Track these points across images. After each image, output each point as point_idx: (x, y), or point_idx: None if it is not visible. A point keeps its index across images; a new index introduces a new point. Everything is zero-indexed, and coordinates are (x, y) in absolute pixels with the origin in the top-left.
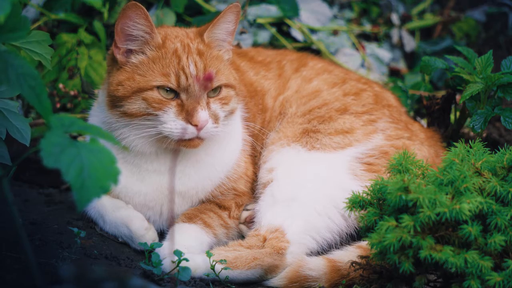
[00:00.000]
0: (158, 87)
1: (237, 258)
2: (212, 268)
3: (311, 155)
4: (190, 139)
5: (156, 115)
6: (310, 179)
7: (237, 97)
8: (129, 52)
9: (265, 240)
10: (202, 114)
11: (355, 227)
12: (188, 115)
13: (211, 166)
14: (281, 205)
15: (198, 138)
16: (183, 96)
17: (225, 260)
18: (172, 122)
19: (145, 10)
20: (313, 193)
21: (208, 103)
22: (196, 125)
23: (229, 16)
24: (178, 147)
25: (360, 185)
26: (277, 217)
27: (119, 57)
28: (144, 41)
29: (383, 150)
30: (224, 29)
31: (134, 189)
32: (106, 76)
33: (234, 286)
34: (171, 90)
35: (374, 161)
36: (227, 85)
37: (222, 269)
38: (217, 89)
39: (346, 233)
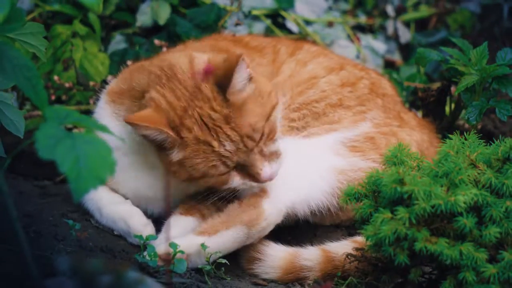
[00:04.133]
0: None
1: (213, 225)
2: (207, 260)
3: (294, 141)
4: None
5: (220, 187)
6: (288, 153)
7: (277, 106)
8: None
9: (240, 204)
10: (265, 172)
11: (338, 188)
12: (253, 178)
13: None
14: None
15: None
16: (239, 165)
17: (219, 252)
18: (241, 185)
19: (137, 117)
20: (289, 162)
21: (261, 151)
22: (267, 181)
23: (242, 68)
24: None
25: (342, 160)
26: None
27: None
28: (165, 145)
29: (369, 136)
30: (241, 79)
31: (134, 182)
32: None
33: (229, 278)
34: None
35: (358, 145)
36: (267, 118)
37: (203, 244)
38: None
39: (331, 195)
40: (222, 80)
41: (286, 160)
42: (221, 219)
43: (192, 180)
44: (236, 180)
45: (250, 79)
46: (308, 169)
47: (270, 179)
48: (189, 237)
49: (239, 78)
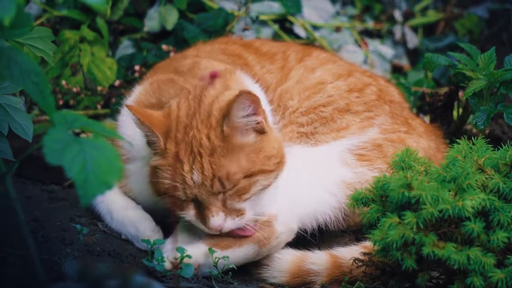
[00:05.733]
0: None
1: (225, 239)
2: (215, 264)
3: (302, 149)
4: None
5: (180, 213)
6: (295, 167)
7: (272, 173)
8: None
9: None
10: (213, 221)
11: (345, 203)
12: (203, 220)
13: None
14: (267, 193)
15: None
16: (197, 201)
17: (227, 257)
18: (194, 222)
19: (136, 108)
20: (298, 177)
21: (224, 201)
22: (212, 230)
23: (242, 103)
24: None
25: (350, 171)
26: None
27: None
28: (152, 142)
29: (376, 143)
30: (240, 116)
31: (149, 191)
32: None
33: (236, 282)
34: None
35: (366, 153)
36: (248, 176)
37: (219, 258)
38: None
39: (339, 210)
40: (225, 112)
41: (296, 173)
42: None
43: (157, 192)
44: (190, 214)
45: (260, 130)
46: (317, 183)
47: (217, 230)
48: (200, 246)
49: (239, 112)
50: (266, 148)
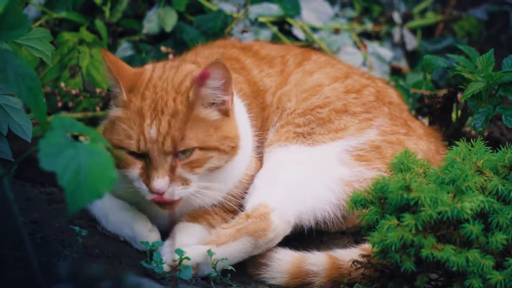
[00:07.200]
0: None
1: (220, 236)
2: (214, 266)
3: (300, 148)
4: (163, 202)
5: (125, 171)
6: (294, 165)
7: (225, 154)
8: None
9: (248, 217)
10: (157, 182)
11: (344, 200)
12: (147, 179)
13: (223, 179)
14: (263, 187)
15: (171, 202)
16: (147, 158)
17: (226, 259)
18: (136, 182)
19: (113, 62)
20: (296, 174)
21: (174, 167)
22: (155, 192)
23: (214, 73)
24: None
25: (348, 170)
26: (259, 197)
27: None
28: (115, 95)
29: (375, 145)
30: (209, 86)
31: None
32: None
33: (235, 284)
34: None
35: (364, 154)
36: (203, 149)
37: (208, 250)
38: (188, 151)
39: (338, 206)
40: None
41: (293, 169)
42: (228, 230)
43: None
44: (134, 171)
45: (224, 111)
46: (314, 179)
47: (157, 193)
48: (197, 247)
49: (209, 81)
50: (225, 129)
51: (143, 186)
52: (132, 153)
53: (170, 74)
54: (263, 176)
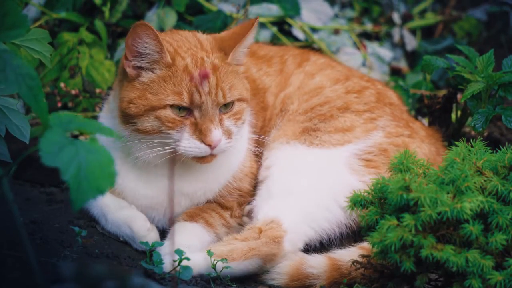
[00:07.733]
0: (171, 106)
1: (232, 251)
2: (213, 266)
3: (309, 151)
4: (204, 156)
5: (170, 133)
6: (306, 172)
7: (248, 107)
8: (140, 68)
9: (260, 231)
10: (215, 134)
11: (354, 219)
12: (201, 134)
13: (219, 168)
14: (277, 198)
15: (212, 155)
16: (196, 114)
17: (226, 259)
18: (186, 141)
19: (155, 30)
20: (308, 185)
21: (221, 120)
22: (209, 145)
23: (253, 33)
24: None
25: (358, 180)
26: (273, 209)
27: (129, 70)
28: (153, 60)
29: (382, 148)
30: (247, 46)
31: (140, 192)
32: (116, 87)
33: (235, 285)
34: (184, 108)
35: (373, 158)
36: (240, 99)
37: (223, 268)
38: (230, 104)
39: (346, 225)
40: (227, 43)
41: (306, 178)
42: (241, 246)
43: (144, 111)
44: (185, 132)
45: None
46: (327, 196)
47: (214, 146)
48: (206, 257)
49: (249, 40)
50: (245, 82)
51: (197, 143)
52: (179, 110)
53: (182, 38)
54: (276, 180)
